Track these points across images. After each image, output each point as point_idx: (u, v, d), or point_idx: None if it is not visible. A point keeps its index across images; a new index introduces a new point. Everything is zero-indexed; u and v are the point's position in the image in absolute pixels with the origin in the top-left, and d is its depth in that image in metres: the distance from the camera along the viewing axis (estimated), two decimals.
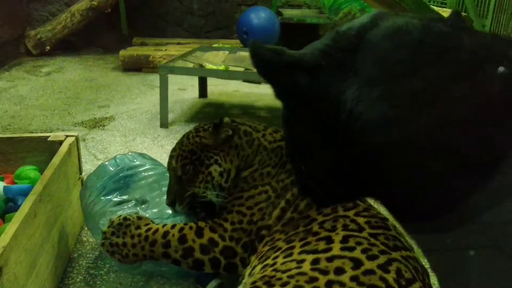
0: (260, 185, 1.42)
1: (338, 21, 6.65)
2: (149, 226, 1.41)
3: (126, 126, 3.32)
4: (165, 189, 1.60)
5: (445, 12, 1.61)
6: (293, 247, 1.09)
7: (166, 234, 1.37)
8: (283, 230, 1.29)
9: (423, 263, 1.11)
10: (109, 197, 1.65)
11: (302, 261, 1.00)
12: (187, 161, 1.48)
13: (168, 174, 1.58)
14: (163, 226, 1.41)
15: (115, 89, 4.31)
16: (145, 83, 4.56)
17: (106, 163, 1.75)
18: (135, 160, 1.77)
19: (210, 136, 1.51)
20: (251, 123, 1.60)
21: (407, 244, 1.14)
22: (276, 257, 1.10)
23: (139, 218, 1.44)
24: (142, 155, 1.84)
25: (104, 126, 3.30)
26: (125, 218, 1.43)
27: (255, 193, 1.41)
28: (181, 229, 1.38)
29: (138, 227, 1.40)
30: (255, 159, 1.49)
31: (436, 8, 1.56)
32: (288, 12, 6.29)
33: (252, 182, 1.44)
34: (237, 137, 1.52)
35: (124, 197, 1.65)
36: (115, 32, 5.95)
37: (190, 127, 3.31)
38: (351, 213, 1.19)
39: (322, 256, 0.99)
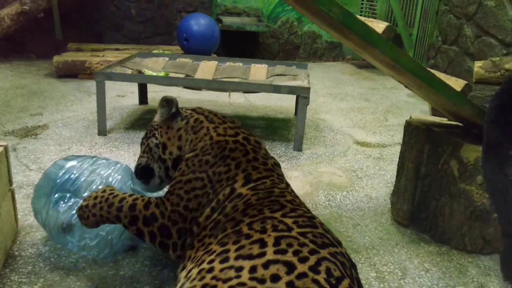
0: (198, 171, 1.50)
1: (276, 29, 6.83)
2: (112, 191, 1.59)
3: (61, 134, 3.20)
4: (106, 175, 1.80)
5: (372, 22, 1.73)
6: (228, 251, 1.12)
7: (122, 199, 1.54)
8: (211, 234, 1.33)
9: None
10: (62, 203, 1.75)
11: (240, 268, 1.03)
12: (144, 136, 1.78)
13: (100, 161, 1.86)
14: (125, 193, 1.58)
15: (49, 96, 4.13)
16: (81, 90, 4.41)
17: (52, 169, 1.83)
18: (74, 162, 1.85)
19: (159, 114, 1.72)
20: (213, 115, 1.71)
21: (334, 240, 1.21)
22: (212, 260, 1.11)
23: (109, 186, 1.65)
24: (75, 156, 1.92)
25: (37, 135, 3.15)
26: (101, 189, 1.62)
27: (192, 178, 1.49)
28: (135, 199, 1.53)
29: (104, 191, 1.59)
30: (197, 145, 1.59)
31: (363, 19, 1.68)
32: (228, 20, 6.37)
33: (192, 166, 1.52)
34: (183, 121, 1.69)
35: (73, 199, 1.76)
36: (48, 37, 5.69)
37: (130, 134, 3.27)
38: (278, 215, 1.24)
39: (258, 262, 1.03)
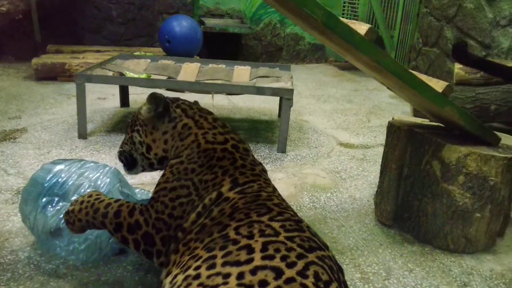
0: (183, 179, 1.47)
1: (259, 31, 6.83)
2: (99, 196, 1.57)
3: (40, 138, 3.13)
4: (94, 178, 1.79)
5: (354, 24, 1.74)
6: (214, 257, 1.10)
7: (108, 205, 1.51)
8: (197, 238, 1.30)
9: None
10: (50, 208, 1.74)
11: (228, 275, 1.01)
12: (129, 125, 1.73)
13: (89, 165, 1.84)
14: (111, 198, 1.55)
15: (28, 99, 4.04)
16: (61, 93, 4.32)
17: (39, 173, 1.81)
18: (61, 165, 1.83)
19: (145, 109, 1.65)
20: (203, 120, 1.61)
21: (321, 243, 1.20)
22: (198, 267, 1.09)
23: (95, 191, 1.63)
24: (62, 160, 1.91)
25: (15, 138, 3.08)
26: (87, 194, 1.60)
27: (177, 186, 1.46)
28: (120, 205, 1.50)
29: (90, 196, 1.57)
30: (183, 152, 1.54)
31: (345, 21, 1.69)
32: (211, 21, 6.34)
33: (176, 174, 1.49)
34: (170, 124, 1.61)
35: (61, 203, 1.74)
36: (27, 39, 5.57)
37: (111, 137, 3.22)
38: (265, 218, 1.22)
39: (245, 269, 1.02)
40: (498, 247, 2.13)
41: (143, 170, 1.74)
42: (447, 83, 1.91)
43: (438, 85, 1.90)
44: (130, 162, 1.73)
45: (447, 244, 2.06)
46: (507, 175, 1.98)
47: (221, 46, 6.42)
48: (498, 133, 2.13)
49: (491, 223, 2.03)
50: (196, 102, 1.78)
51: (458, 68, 3.93)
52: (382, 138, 3.57)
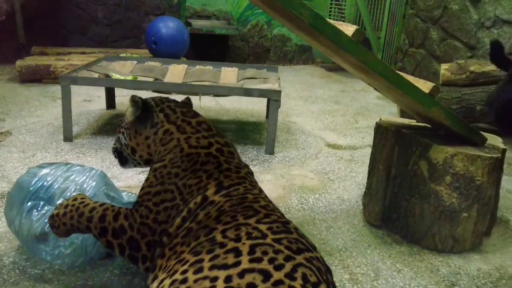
0: (167, 183, 1.45)
1: (246, 32, 6.83)
2: (83, 200, 1.55)
3: (24, 141, 3.07)
4: (80, 181, 1.77)
5: (341, 26, 1.74)
6: (201, 260, 1.08)
7: (92, 209, 1.49)
8: (183, 242, 1.29)
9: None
10: (35, 212, 1.71)
11: (215, 279, 1.00)
12: (119, 124, 1.74)
13: (75, 168, 1.82)
14: (96, 202, 1.54)
15: (12, 101, 3.97)
16: (45, 95, 4.26)
17: (24, 177, 1.78)
18: (47, 169, 1.81)
19: (129, 113, 1.64)
20: (185, 124, 1.59)
21: (309, 245, 1.19)
22: (185, 271, 1.07)
23: (80, 194, 1.60)
24: (48, 164, 1.88)
25: None
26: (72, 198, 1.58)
27: (161, 190, 1.45)
28: (105, 209, 1.48)
29: (75, 199, 1.55)
30: (166, 156, 1.53)
31: (332, 22, 1.69)
32: (198, 23, 6.32)
33: (160, 178, 1.47)
34: (152, 129, 1.60)
35: (46, 207, 1.72)
36: (11, 41, 5.48)
37: (97, 140, 3.18)
38: (252, 221, 1.21)
39: (233, 272, 1.01)
40: (485, 247, 2.15)
41: (135, 166, 1.76)
42: (433, 84, 1.92)
43: (425, 86, 1.91)
44: (122, 158, 1.76)
45: (435, 244, 2.07)
46: (493, 174, 2.00)
47: (208, 48, 6.40)
48: (484, 133, 2.15)
49: (478, 222, 2.05)
50: (188, 99, 1.79)
51: (444, 69, 3.97)
52: (369, 139, 3.59)
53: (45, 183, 1.76)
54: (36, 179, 1.77)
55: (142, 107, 1.60)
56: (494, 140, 2.20)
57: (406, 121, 2.39)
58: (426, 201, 2.04)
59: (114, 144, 1.79)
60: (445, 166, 1.97)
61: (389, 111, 4.56)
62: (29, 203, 1.73)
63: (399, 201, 2.14)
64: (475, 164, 1.95)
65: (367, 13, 6.22)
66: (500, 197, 2.28)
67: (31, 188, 1.74)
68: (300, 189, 2.65)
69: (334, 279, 1.24)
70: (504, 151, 2.10)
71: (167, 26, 5.09)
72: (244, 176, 1.50)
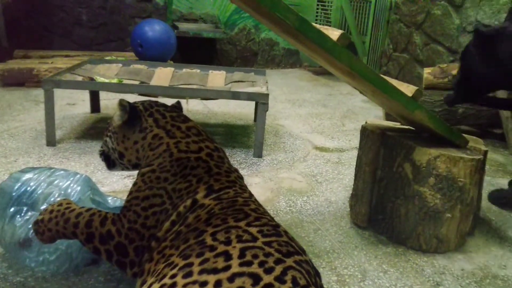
0: (156, 188, 1.44)
1: (234, 36, 6.84)
2: (69, 205, 1.52)
3: (6, 146, 3.02)
4: (64, 186, 1.74)
5: (327, 30, 1.76)
6: (191, 264, 1.07)
7: (79, 215, 1.47)
8: (172, 245, 1.28)
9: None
10: (18, 217, 1.69)
11: (205, 283, 1.00)
12: (106, 128, 1.72)
13: (58, 173, 1.79)
14: (82, 207, 1.51)
15: None
16: (28, 99, 4.20)
17: (7, 182, 1.76)
18: (30, 174, 1.78)
19: (116, 117, 1.62)
20: (175, 129, 1.57)
21: (299, 248, 1.20)
22: (174, 275, 1.06)
23: (65, 199, 1.58)
24: (31, 168, 1.85)
25: None
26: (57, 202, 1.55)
27: (150, 195, 1.43)
28: (92, 214, 1.46)
29: (60, 205, 1.53)
30: (155, 161, 1.51)
31: (318, 26, 1.70)
32: (184, 26, 6.30)
33: (148, 182, 1.46)
34: (140, 134, 1.59)
35: (30, 213, 1.69)
36: None
37: (81, 144, 3.14)
38: (242, 224, 1.21)
39: (223, 276, 1.00)
40: (469, 246, 2.19)
41: (123, 170, 1.73)
42: (416, 88, 1.95)
43: (408, 89, 1.94)
44: (109, 162, 1.74)
45: (420, 245, 2.10)
46: (475, 176, 2.04)
47: (195, 51, 6.38)
48: (466, 136, 2.19)
49: (461, 223, 2.09)
50: (178, 103, 1.79)
51: (427, 73, 4.03)
52: (356, 141, 3.62)
53: (28, 188, 1.73)
54: (19, 184, 1.74)
55: (130, 111, 1.58)
56: (476, 142, 2.24)
57: (391, 124, 2.42)
58: (411, 202, 2.06)
59: (101, 147, 1.77)
60: (429, 168, 1.99)
61: (374, 114, 4.61)
62: (12, 209, 1.70)
63: (385, 203, 2.16)
64: (458, 166, 1.98)
65: (353, 18, 6.29)
66: (482, 198, 2.33)
67: (13, 194, 1.71)
68: (288, 191, 2.65)
69: (322, 281, 1.24)
70: (485, 152, 2.14)
71: (153, 29, 5.07)
72: (234, 180, 1.49)
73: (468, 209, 2.09)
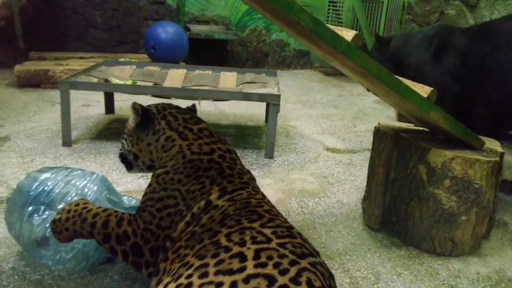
0: (170, 189, 1.46)
1: (245, 37, 6.85)
2: (86, 205, 1.55)
3: (23, 146, 3.07)
4: (81, 186, 1.77)
5: (341, 31, 1.75)
6: (206, 265, 1.09)
7: (96, 215, 1.49)
8: (187, 245, 1.29)
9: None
10: (36, 216, 1.71)
11: (220, 284, 1.01)
12: (123, 130, 1.75)
13: (75, 172, 1.83)
14: (98, 207, 1.53)
15: (10, 106, 3.97)
16: (44, 100, 4.26)
17: (25, 182, 1.78)
18: (48, 173, 1.80)
19: (131, 119, 1.65)
20: (187, 131, 1.59)
21: (313, 250, 1.20)
22: (190, 275, 1.08)
23: (82, 199, 1.60)
24: (49, 168, 1.88)
25: None
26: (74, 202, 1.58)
27: (164, 196, 1.45)
28: (109, 215, 1.48)
29: (77, 204, 1.55)
30: (168, 162, 1.53)
31: (332, 27, 1.70)
32: (196, 28, 6.33)
33: (163, 184, 1.48)
34: (153, 137, 1.61)
35: (47, 212, 1.72)
36: (10, 46, 5.47)
37: (96, 144, 3.18)
38: (256, 225, 1.22)
39: (238, 277, 1.01)
40: (484, 250, 2.16)
41: (141, 171, 1.76)
42: (431, 89, 1.94)
43: (423, 90, 1.93)
44: (128, 164, 1.76)
45: (434, 248, 2.08)
46: (492, 178, 2.02)
47: (207, 53, 6.41)
48: (482, 137, 2.16)
49: (477, 226, 2.06)
50: (193, 106, 1.81)
51: None
52: (367, 143, 3.60)
53: (45, 188, 1.76)
54: (37, 183, 1.76)
55: (142, 114, 1.60)
56: (492, 144, 2.21)
57: (404, 125, 2.40)
58: (425, 204, 2.05)
59: (120, 149, 1.80)
60: (444, 170, 1.98)
61: (386, 115, 4.58)
62: (30, 208, 1.73)
63: (398, 205, 2.15)
64: (474, 168, 1.96)
65: (364, 18, 6.26)
66: (498, 200, 2.30)
67: (31, 193, 1.74)
68: (299, 193, 2.65)
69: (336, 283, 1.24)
70: (502, 154, 2.11)
71: (166, 31, 5.11)
72: (246, 181, 1.50)
73: (484, 212, 2.07)
